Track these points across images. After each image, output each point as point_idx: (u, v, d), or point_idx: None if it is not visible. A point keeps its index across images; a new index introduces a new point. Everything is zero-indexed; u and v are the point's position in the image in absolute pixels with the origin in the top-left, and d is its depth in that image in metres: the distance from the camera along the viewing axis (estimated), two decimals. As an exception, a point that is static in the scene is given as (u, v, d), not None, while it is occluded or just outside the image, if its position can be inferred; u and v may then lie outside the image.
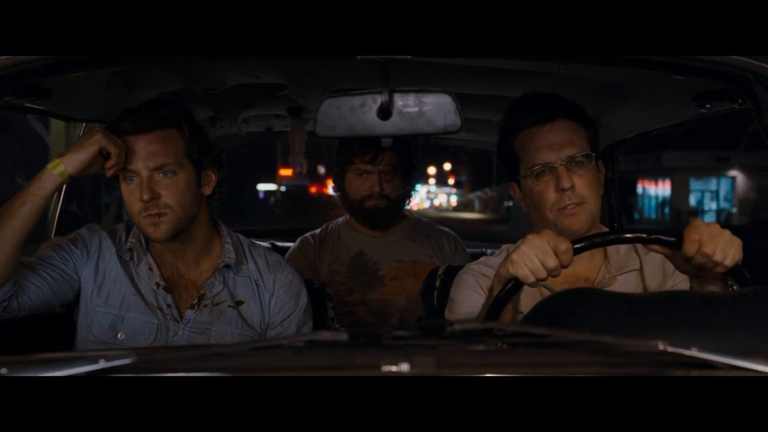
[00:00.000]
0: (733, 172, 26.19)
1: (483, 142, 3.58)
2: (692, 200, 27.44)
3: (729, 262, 1.42)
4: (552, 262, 1.43)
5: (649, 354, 1.00)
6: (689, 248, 1.42)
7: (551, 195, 1.69)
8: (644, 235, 1.48)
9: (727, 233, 1.43)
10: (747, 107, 1.65)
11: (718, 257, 1.41)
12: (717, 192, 26.83)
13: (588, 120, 1.77)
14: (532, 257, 1.43)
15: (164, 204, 1.77)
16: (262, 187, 29.34)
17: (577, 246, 1.46)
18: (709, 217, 25.43)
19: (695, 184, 27.58)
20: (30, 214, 1.64)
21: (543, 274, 1.43)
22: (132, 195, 1.78)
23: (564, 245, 1.44)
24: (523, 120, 1.74)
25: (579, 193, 1.68)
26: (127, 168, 1.76)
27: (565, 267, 1.45)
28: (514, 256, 1.45)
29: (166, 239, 1.81)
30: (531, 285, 1.45)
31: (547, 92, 1.80)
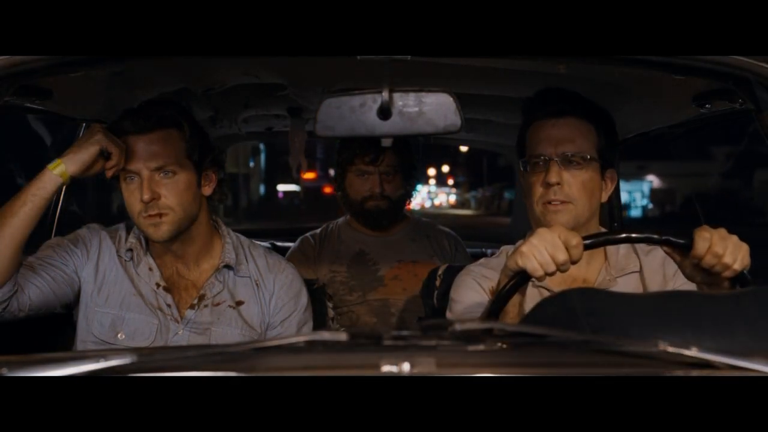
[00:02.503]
0: (650, 177, 35.18)
1: (483, 142, 3.58)
2: (626, 197, 33.67)
3: (738, 265, 1.41)
4: (562, 256, 1.41)
5: (649, 354, 1.00)
6: (701, 247, 1.41)
7: (539, 188, 1.69)
8: (655, 236, 1.47)
9: (735, 237, 1.43)
10: (747, 107, 1.65)
11: (728, 259, 1.40)
12: (642, 192, 35.71)
13: (603, 124, 1.75)
14: (542, 250, 1.41)
15: (165, 204, 1.77)
16: (282, 187, 32.59)
17: (588, 242, 1.46)
18: (636, 211, 32.74)
19: (627, 186, 33.85)
20: (30, 214, 1.64)
21: (552, 267, 1.42)
22: (132, 195, 1.78)
23: (575, 240, 1.42)
24: (535, 112, 1.75)
25: (566, 191, 1.67)
26: (127, 168, 1.76)
27: (574, 262, 1.43)
28: (524, 248, 1.43)
29: (167, 240, 1.81)
30: (539, 279, 1.44)
31: (568, 89, 1.79)
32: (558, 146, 1.69)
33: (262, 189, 33.68)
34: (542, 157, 1.69)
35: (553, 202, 1.67)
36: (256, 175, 32.56)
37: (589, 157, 1.70)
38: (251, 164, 31.76)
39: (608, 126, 1.78)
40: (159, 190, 1.76)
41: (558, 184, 1.67)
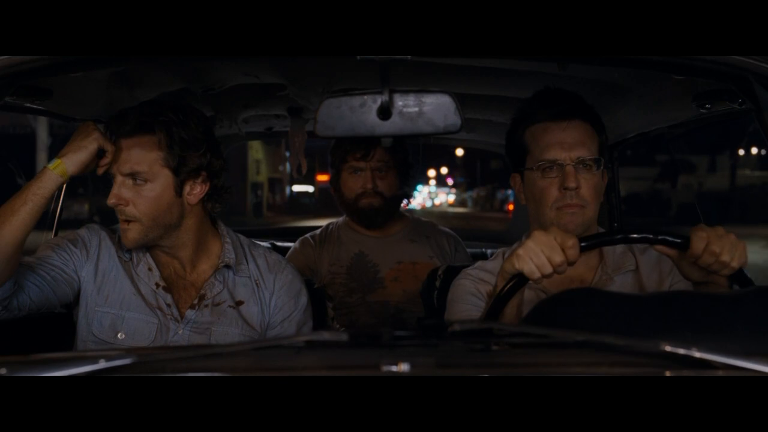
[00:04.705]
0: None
1: (483, 142, 3.58)
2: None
3: (736, 263, 1.41)
4: (558, 257, 1.42)
5: (649, 354, 1.00)
6: (697, 246, 1.41)
7: (554, 192, 1.69)
8: (651, 236, 1.47)
9: (732, 236, 1.43)
10: (747, 107, 1.65)
11: (725, 257, 1.40)
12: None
13: (602, 126, 1.76)
14: (539, 252, 1.41)
15: (131, 212, 1.76)
16: (296, 188, 39.95)
17: (584, 243, 1.46)
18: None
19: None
20: (30, 213, 1.64)
21: (549, 269, 1.42)
22: (109, 197, 1.79)
23: (571, 241, 1.42)
24: (539, 112, 1.73)
25: (582, 195, 1.67)
26: (114, 169, 1.77)
27: (571, 264, 1.44)
28: (520, 251, 1.43)
29: (136, 247, 1.82)
30: (536, 281, 1.44)
31: (569, 90, 1.78)
32: (572, 151, 1.68)
33: (287, 190, 40.99)
34: (556, 162, 1.69)
35: (568, 206, 1.67)
36: (284, 179, 39.02)
37: (600, 159, 1.71)
38: (281, 169, 37.94)
39: (603, 127, 1.78)
40: (127, 196, 1.76)
41: (576, 188, 1.67)
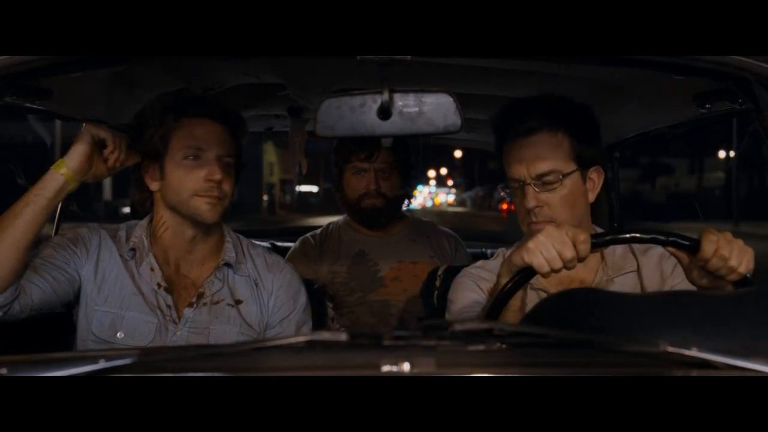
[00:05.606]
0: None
1: (483, 143, 3.58)
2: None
3: (743, 269, 1.41)
4: (569, 252, 1.40)
5: (649, 354, 1.00)
6: (707, 249, 1.40)
7: (522, 210, 1.68)
8: (661, 237, 1.46)
9: (740, 241, 1.43)
10: (747, 107, 1.65)
11: (733, 262, 1.40)
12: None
13: (577, 127, 1.70)
14: (549, 247, 1.40)
15: (224, 190, 1.82)
16: (302, 188, 43.86)
17: (595, 240, 1.45)
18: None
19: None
20: (33, 215, 1.64)
21: (559, 264, 1.40)
22: (193, 173, 1.80)
23: (583, 236, 1.41)
24: (506, 132, 1.72)
25: (545, 212, 1.65)
26: (193, 146, 1.80)
27: (581, 260, 1.42)
28: (530, 244, 1.41)
29: (213, 222, 1.85)
30: (544, 275, 1.43)
31: (534, 97, 1.75)
32: (531, 168, 1.66)
33: (296, 190, 45.10)
34: (518, 182, 1.68)
35: (536, 223, 1.66)
36: (295, 180, 42.38)
37: (564, 173, 1.66)
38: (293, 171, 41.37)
39: (584, 125, 1.72)
40: (222, 175, 1.81)
41: (538, 207, 1.65)
